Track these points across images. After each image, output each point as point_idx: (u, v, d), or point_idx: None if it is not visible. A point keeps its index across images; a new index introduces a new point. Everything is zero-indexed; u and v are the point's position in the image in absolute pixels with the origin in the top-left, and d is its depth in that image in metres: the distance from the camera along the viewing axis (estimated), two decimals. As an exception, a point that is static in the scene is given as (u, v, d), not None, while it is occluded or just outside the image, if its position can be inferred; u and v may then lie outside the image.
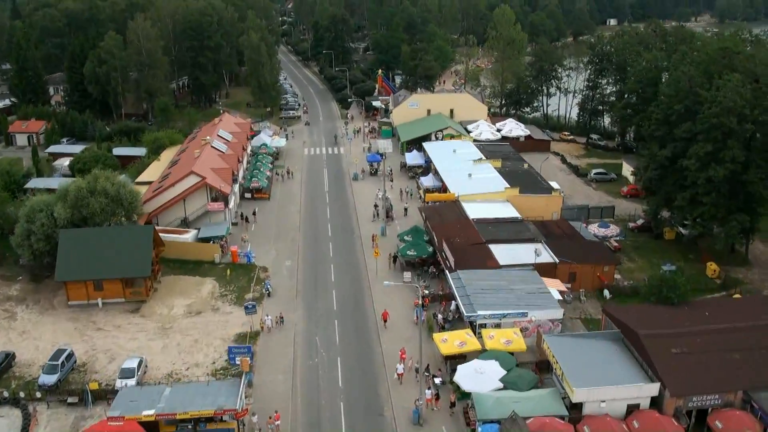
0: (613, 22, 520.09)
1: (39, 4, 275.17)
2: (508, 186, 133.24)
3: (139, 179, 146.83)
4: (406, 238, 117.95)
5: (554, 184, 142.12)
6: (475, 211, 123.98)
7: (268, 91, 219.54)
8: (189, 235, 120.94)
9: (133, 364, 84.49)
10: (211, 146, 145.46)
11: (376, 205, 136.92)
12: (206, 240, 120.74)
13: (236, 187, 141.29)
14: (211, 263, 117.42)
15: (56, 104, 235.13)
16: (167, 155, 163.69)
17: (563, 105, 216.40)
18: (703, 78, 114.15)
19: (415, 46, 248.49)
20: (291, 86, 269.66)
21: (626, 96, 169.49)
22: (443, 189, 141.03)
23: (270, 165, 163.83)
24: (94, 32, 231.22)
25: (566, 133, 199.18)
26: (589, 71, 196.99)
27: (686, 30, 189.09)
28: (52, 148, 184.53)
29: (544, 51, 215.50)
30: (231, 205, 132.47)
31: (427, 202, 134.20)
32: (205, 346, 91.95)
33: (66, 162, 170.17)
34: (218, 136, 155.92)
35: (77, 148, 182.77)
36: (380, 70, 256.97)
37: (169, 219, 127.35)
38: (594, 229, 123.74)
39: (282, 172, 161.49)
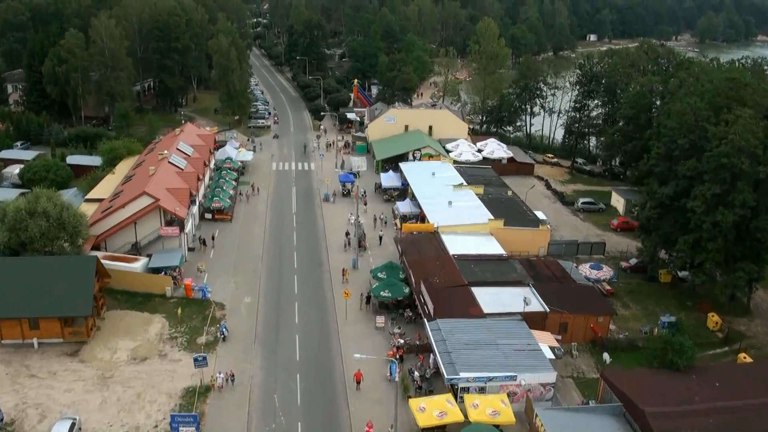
0: (593, 37, 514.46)
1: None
2: (492, 218, 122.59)
3: (90, 195, 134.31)
4: (379, 275, 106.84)
5: (540, 215, 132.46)
6: (455, 245, 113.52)
7: (237, 98, 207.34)
8: (138, 264, 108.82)
9: (64, 428, 72.44)
10: (169, 161, 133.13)
11: (347, 233, 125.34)
12: (157, 270, 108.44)
13: (195, 209, 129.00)
14: (162, 297, 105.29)
15: (14, 103, 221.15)
16: (123, 167, 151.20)
17: (547, 125, 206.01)
18: (709, 111, 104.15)
19: (393, 55, 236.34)
20: (262, 93, 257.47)
21: (617, 121, 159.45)
22: (421, 216, 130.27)
23: (234, 182, 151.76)
24: (56, 28, 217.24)
25: (550, 155, 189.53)
26: (575, 91, 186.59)
27: (679, 53, 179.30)
28: (4, 153, 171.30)
29: (529, 68, 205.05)
30: (188, 228, 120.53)
31: (404, 233, 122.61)
32: (148, 403, 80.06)
33: (16, 170, 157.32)
34: (177, 149, 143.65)
35: (30, 154, 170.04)
36: (356, 80, 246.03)
37: (118, 243, 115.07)
38: (585, 270, 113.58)
39: (247, 191, 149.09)
